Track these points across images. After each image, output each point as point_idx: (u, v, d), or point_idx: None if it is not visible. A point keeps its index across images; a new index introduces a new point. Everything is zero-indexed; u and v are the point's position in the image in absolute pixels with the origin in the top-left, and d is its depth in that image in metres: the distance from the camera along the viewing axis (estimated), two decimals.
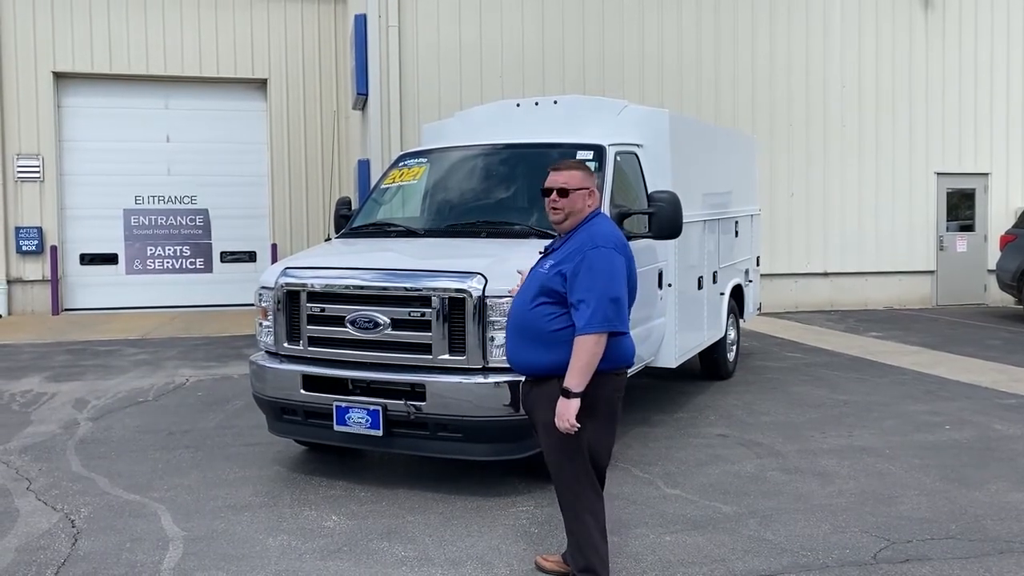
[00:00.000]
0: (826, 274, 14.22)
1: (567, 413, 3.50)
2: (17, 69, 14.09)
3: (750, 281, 9.34)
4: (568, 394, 3.51)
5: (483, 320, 4.87)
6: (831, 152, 14.07)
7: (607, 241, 3.67)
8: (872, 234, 14.32)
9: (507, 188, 6.43)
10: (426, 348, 4.98)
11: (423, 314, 4.97)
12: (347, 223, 6.62)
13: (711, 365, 8.44)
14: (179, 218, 15.15)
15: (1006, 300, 14.25)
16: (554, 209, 3.78)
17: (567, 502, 3.76)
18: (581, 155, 5.94)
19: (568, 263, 3.63)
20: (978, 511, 4.89)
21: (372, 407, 5.03)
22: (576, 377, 3.52)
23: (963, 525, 4.68)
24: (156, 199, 15.03)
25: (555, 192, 3.76)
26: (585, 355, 3.52)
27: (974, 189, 14.95)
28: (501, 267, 4.95)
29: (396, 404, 4.99)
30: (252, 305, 5.75)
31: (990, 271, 14.44)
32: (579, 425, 3.51)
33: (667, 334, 6.76)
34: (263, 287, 5.58)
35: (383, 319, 5.05)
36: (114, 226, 14.85)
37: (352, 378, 5.17)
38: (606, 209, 5.67)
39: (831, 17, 13.97)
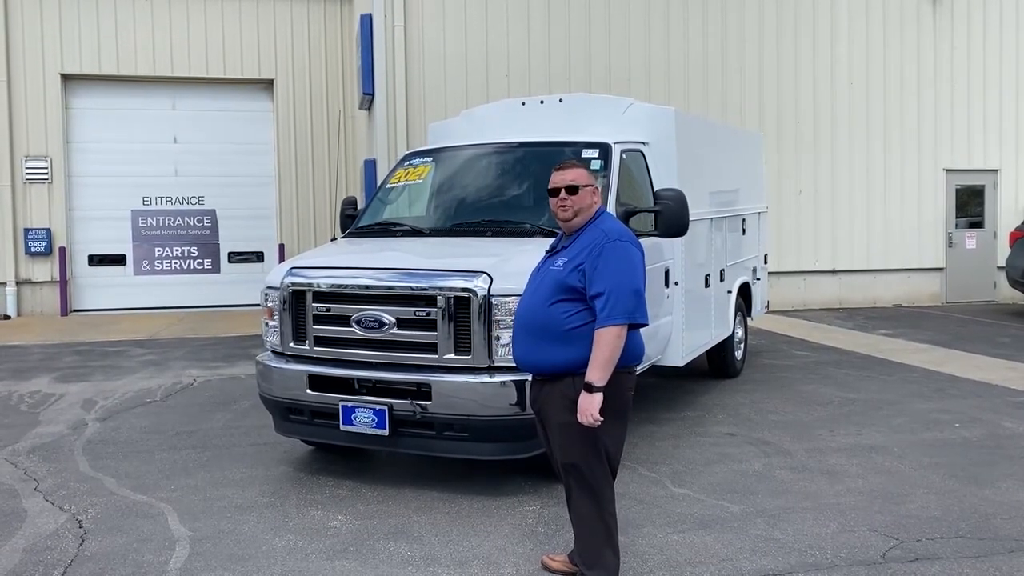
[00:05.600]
0: (834, 272, 14.16)
1: (591, 408, 3.49)
2: (25, 71, 14.13)
3: (758, 279, 9.31)
4: (591, 388, 3.50)
5: (489, 319, 4.85)
6: (839, 149, 14.01)
7: (623, 235, 3.72)
8: (880, 231, 14.25)
9: (513, 187, 6.42)
10: (432, 347, 4.97)
11: (429, 313, 4.96)
12: (353, 223, 6.62)
13: (718, 363, 8.40)
14: (186, 219, 15.18)
15: (1016, 297, 14.16)
16: (564, 207, 3.78)
17: (586, 501, 3.74)
18: (587, 153, 5.93)
19: (586, 258, 3.63)
20: (988, 510, 4.86)
21: (378, 407, 5.02)
22: (599, 371, 3.51)
23: (973, 524, 4.65)
24: (163, 200, 15.07)
25: (564, 190, 3.77)
26: (607, 348, 3.51)
27: (983, 186, 14.87)
28: (506, 266, 4.95)
29: (402, 403, 4.99)
30: (259, 305, 5.75)
31: (1000, 268, 14.35)
32: (602, 419, 3.50)
33: (674, 332, 6.74)
34: (269, 287, 5.58)
35: (389, 318, 5.04)
36: (122, 227, 14.89)
37: (358, 378, 5.16)
38: (612, 207, 5.67)
39: (838, 14, 13.91)
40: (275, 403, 5.53)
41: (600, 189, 4.41)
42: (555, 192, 3.80)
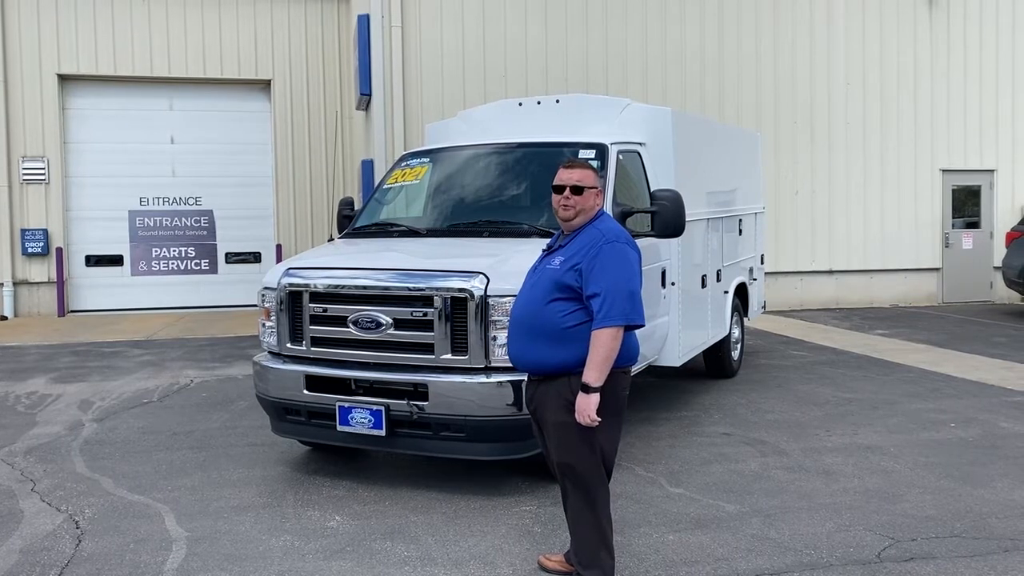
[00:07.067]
0: (831, 272, 14.19)
1: (588, 408, 3.50)
2: (22, 72, 14.12)
3: (754, 279, 9.32)
4: (588, 389, 3.51)
5: (485, 319, 4.86)
6: (836, 150, 14.03)
7: (620, 236, 3.72)
8: (877, 232, 14.28)
9: (510, 188, 6.42)
10: (428, 348, 4.98)
11: (425, 314, 4.97)
12: (350, 223, 6.62)
13: (715, 364, 8.41)
14: (184, 219, 15.18)
15: (1012, 297, 14.21)
16: (566, 206, 3.78)
17: (582, 500, 3.74)
18: (583, 154, 5.94)
19: (583, 258, 3.64)
20: (983, 509, 4.87)
21: (375, 407, 5.03)
22: (596, 371, 3.52)
23: (968, 523, 4.66)
24: (161, 200, 15.06)
25: (569, 189, 3.77)
26: (603, 349, 3.52)
27: (980, 186, 14.90)
28: (503, 267, 4.96)
29: (399, 404, 4.99)
30: (256, 306, 5.76)
31: (996, 268, 14.38)
32: (599, 419, 3.52)
33: (671, 333, 6.75)
34: (266, 287, 5.58)
35: (385, 319, 5.05)
36: (119, 228, 14.89)
37: (355, 378, 5.17)
38: (608, 208, 5.67)
39: (835, 15, 13.94)
40: (272, 404, 5.54)
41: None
42: (559, 189, 3.80)
